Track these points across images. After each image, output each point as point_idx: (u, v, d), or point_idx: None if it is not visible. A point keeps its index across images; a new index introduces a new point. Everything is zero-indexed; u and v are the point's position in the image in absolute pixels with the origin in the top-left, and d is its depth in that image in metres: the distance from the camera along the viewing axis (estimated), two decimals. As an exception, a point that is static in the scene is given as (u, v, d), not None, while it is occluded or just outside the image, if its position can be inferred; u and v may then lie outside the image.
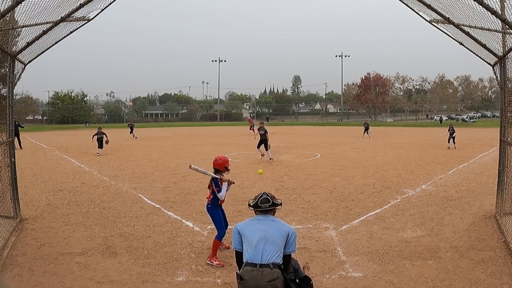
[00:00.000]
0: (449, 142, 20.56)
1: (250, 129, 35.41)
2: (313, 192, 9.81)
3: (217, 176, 5.68)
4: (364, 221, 7.31)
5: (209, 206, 5.75)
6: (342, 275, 5.04)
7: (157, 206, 8.49)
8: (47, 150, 20.76)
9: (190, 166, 5.62)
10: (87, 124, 57.05)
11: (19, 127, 21.80)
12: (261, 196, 4.01)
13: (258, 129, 16.26)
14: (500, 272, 4.97)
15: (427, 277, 4.89)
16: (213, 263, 5.40)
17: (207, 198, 5.83)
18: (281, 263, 3.62)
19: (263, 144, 15.80)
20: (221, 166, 5.77)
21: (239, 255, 3.74)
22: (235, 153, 18.66)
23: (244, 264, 3.56)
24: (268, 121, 53.78)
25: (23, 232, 6.74)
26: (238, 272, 3.59)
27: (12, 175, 7.13)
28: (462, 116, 68.10)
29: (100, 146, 18.60)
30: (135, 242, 6.27)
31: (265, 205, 3.92)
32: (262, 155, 16.11)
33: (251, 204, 4.00)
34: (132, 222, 7.36)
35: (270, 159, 15.60)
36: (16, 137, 20.98)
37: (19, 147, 20.48)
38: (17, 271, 5.13)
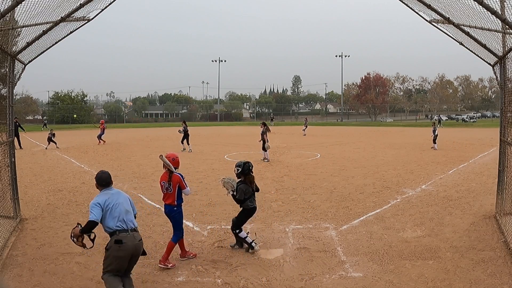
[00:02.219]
0: (434, 142, 19.72)
1: (101, 136, 24.01)
2: (313, 192, 9.81)
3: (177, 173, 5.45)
4: (364, 221, 7.31)
5: (175, 208, 5.39)
6: (342, 275, 5.04)
7: (157, 206, 8.48)
8: (47, 150, 20.76)
9: (161, 156, 5.42)
10: (44, 125, 46.88)
11: (19, 127, 21.81)
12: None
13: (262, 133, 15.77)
14: (500, 272, 4.97)
15: (427, 277, 4.89)
16: (167, 266, 5.26)
17: (167, 201, 5.39)
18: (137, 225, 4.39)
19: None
20: (178, 164, 5.52)
21: (94, 224, 4.09)
22: (235, 153, 18.66)
23: (117, 231, 4.09)
24: (272, 122, 53.24)
25: (23, 232, 6.74)
26: (117, 238, 4.06)
27: (12, 175, 7.14)
28: (462, 116, 68.01)
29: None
30: (135, 242, 6.26)
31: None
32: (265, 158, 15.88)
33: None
34: (132, 222, 7.35)
35: (264, 159, 15.64)
36: (15, 137, 21.11)
37: (19, 147, 20.50)
38: (17, 271, 5.13)
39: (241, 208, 5.96)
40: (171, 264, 5.32)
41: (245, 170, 5.86)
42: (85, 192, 10.04)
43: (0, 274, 5.01)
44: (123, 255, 4.08)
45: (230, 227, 6.65)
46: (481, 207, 8.06)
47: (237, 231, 5.90)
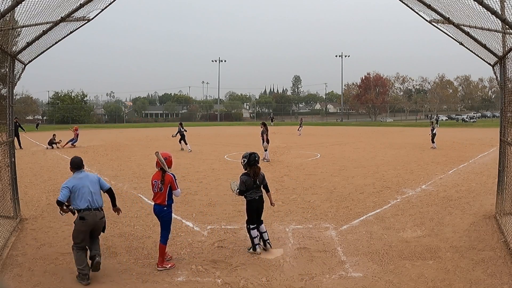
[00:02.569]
0: (433, 142, 19.96)
1: (72, 143, 21.99)
2: (313, 192, 9.81)
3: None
4: (364, 221, 7.31)
5: (165, 208, 5.33)
6: (342, 275, 5.04)
7: (157, 206, 8.48)
8: (47, 150, 20.75)
9: (157, 153, 5.38)
10: (37, 126, 45.12)
11: (19, 127, 21.81)
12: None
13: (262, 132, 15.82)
14: (500, 272, 4.97)
15: (427, 277, 4.89)
16: (166, 267, 5.25)
17: (157, 201, 5.34)
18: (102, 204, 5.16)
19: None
20: (171, 164, 5.51)
21: (60, 203, 4.95)
22: (235, 153, 18.65)
23: (82, 210, 4.95)
24: (272, 122, 53.19)
25: (23, 232, 6.74)
26: (81, 215, 4.94)
27: (12, 175, 7.13)
28: (462, 116, 67.99)
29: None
30: (135, 242, 6.27)
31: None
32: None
33: None
34: (132, 222, 7.36)
35: (264, 159, 15.58)
36: (15, 137, 21.17)
37: (19, 147, 20.53)
38: (17, 271, 5.13)
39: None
40: (169, 265, 5.31)
41: (251, 161, 5.86)
42: (85, 192, 10.04)
43: (0, 274, 5.01)
44: (84, 229, 4.95)
45: (231, 227, 6.68)
46: (481, 207, 8.06)
47: (250, 226, 5.85)
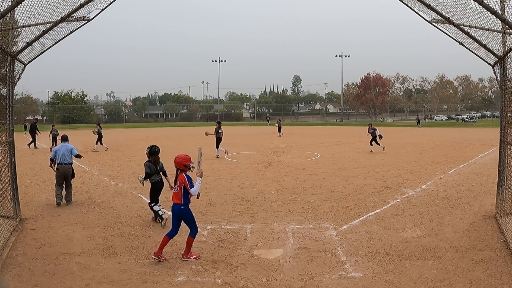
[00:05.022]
0: (371, 144, 18.44)
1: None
2: (313, 192, 9.81)
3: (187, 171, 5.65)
4: (364, 221, 7.31)
5: (182, 207, 5.54)
6: (342, 275, 5.04)
7: (157, 206, 8.48)
8: (47, 150, 20.74)
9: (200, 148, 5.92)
10: (25, 128, 37.85)
11: (36, 129, 22.40)
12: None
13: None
14: (500, 272, 4.97)
15: (427, 277, 4.89)
16: (191, 258, 5.52)
17: (174, 200, 5.57)
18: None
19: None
20: (180, 165, 5.64)
21: (51, 161, 8.95)
22: (235, 153, 18.66)
23: (59, 164, 8.64)
24: (268, 122, 53.16)
25: (23, 232, 6.74)
26: (58, 167, 8.63)
27: (12, 175, 7.13)
28: (462, 116, 67.99)
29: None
30: (135, 242, 6.27)
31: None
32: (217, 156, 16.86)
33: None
34: (132, 222, 7.36)
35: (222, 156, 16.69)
36: (32, 138, 22.26)
37: (34, 147, 21.82)
38: (17, 271, 5.13)
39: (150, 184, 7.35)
40: (194, 256, 5.56)
41: (151, 152, 7.35)
42: (85, 192, 10.05)
43: (0, 274, 5.01)
44: (59, 174, 8.60)
45: (231, 227, 6.68)
46: (481, 207, 8.06)
47: (152, 204, 7.27)
